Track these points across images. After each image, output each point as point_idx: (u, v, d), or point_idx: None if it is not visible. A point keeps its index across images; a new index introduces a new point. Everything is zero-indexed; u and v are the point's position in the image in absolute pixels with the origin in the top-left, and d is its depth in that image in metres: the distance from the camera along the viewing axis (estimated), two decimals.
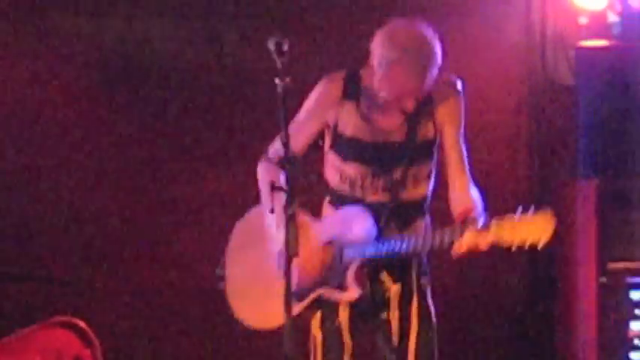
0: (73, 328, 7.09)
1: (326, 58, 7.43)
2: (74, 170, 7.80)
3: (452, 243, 4.78)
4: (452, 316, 7.68)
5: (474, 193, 5.14)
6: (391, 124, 5.11)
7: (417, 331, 5.11)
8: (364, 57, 5.06)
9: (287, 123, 4.56)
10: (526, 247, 4.66)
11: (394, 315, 5.12)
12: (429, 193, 5.08)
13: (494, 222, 4.74)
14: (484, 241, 4.72)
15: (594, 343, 7.14)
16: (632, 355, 7.09)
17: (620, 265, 7.15)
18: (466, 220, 4.86)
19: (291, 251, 4.35)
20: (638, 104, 7.37)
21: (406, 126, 5.08)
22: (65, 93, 7.80)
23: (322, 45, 7.57)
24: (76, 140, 7.82)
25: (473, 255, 5.10)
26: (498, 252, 7.61)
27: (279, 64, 4.60)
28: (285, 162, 4.63)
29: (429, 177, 5.08)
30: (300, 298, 5.13)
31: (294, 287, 4.70)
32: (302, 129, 5.20)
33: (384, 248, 4.99)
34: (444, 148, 5.19)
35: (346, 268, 5.10)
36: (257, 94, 6.97)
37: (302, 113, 5.26)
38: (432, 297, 5.57)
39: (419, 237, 4.93)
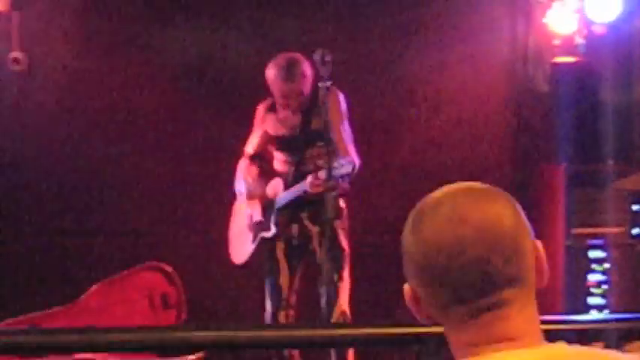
0: (161, 271, 7.50)
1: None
2: (159, 149, 7.99)
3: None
4: None
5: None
6: (293, 123, 6.25)
7: (326, 249, 5.83)
8: None
9: (326, 117, 5.64)
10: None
11: (314, 245, 6.05)
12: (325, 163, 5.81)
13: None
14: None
15: (561, 290, 7.18)
16: (589, 299, 7.19)
17: (582, 230, 7.28)
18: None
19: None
20: (598, 106, 7.44)
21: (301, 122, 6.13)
22: (155, 93, 7.96)
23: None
24: (162, 128, 7.99)
25: None
26: None
27: (322, 72, 5.59)
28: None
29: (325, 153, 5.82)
30: (253, 241, 6.39)
31: (251, 236, 6.36)
32: (253, 136, 6.54)
33: (282, 199, 6.18)
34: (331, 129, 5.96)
35: (270, 215, 6.26)
36: None
37: (254, 127, 6.52)
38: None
39: (299, 186, 6.00)
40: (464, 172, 7.93)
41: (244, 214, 6.48)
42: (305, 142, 6.00)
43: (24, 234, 7.86)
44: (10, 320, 7.16)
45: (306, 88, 6.10)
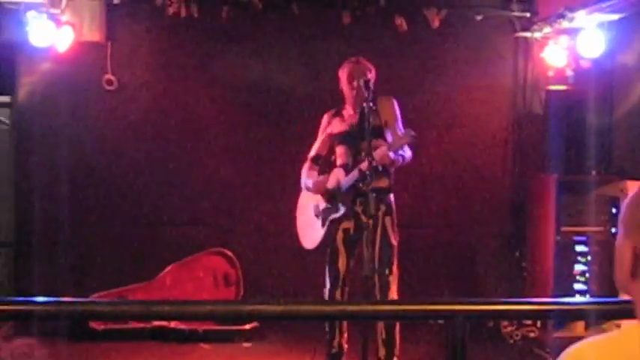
0: (223, 255, 7.68)
1: None
2: (223, 153, 8.03)
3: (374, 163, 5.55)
4: (447, 249, 8.15)
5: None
6: (354, 120, 5.99)
7: (378, 247, 5.77)
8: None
9: (369, 133, 5.45)
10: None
11: (368, 237, 5.49)
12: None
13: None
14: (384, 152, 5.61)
15: (550, 278, 7.24)
16: (575, 285, 7.23)
17: (569, 229, 7.25)
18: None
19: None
20: (584, 126, 7.38)
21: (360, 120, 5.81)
22: (220, 108, 8.07)
23: None
24: (225, 136, 8.05)
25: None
26: (487, 216, 8.02)
27: (366, 94, 5.56)
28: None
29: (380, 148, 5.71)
30: (323, 225, 6.12)
31: (319, 219, 6.17)
32: (319, 140, 6.29)
33: (345, 183, 5.90)
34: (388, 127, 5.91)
35: (337, 199, 6.02)
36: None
37: (319, 132, 6.29)
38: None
39: (354, 172, 5.79)
40: (472, 179, 8.11)
41: (311, 206, 6.29)
42: (362, 136, 5.65)
43: (113, 224, 7.97)
44: (102, 293, 7.41)
45: (370, 78, 5.85)
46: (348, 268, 6.03)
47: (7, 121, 7.98)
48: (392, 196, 6.05)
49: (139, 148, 7.98)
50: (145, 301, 6.17)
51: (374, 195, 5.48)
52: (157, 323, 7.15)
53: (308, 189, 6.29)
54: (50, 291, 7.07)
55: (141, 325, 7.15)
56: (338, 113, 6.23)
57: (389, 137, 5.87)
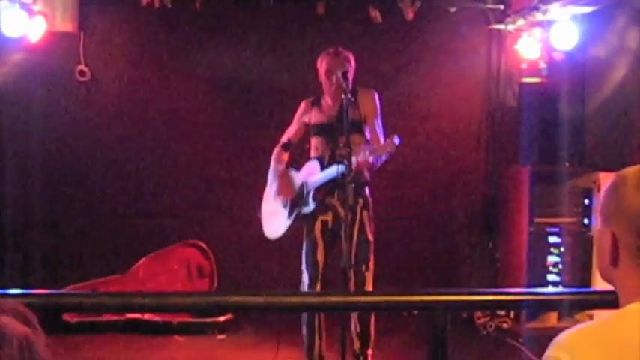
0: (197, 246, 7.63)
1: None
2: (197, 146, 8.01)
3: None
4: (424, 239, 8.17)
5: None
6: (332, 112, 5.84)
7: (355, 242, 5.67)
8: None
9: (347, 124, 5.30)
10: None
11: (344, 231, 5.39)
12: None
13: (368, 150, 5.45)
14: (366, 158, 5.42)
15: (524, 268, 7.29)
16: (548, 276, 7.31)
17: (543, 220, 7.33)
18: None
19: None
20: (557, 119, 7.52)
21: (339, 113, 5.60)
22: (196, 99, 8.04)
23: None
24: (200, 128, 8.01)
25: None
26: (461, 207, 8.05)
27: (344, 85, 5.41)
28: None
29: (359, 143, 5.61)
30: (289, 216, 5.95)
31: (286, 211, 5.98)
32: (292, 127, 6.13)
33: (321, 178, 5.74)
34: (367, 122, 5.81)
35: (308, 194, 5.85)
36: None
37: (294, 119, 6.14)
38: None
39: (334, 167, 5.56)
40: (446, 171, 8.15)
41: (277, 195, 6.09)
42: (340, 130, 5.48)
43: (87, 216, 7.91)
44: (74, 285, 7.35)
45: (349, 70, 5.72)
46: (326, 261, 5.89)
47: None
48: (368, 189, 5.95)
49: (112, 140, 7.93)
50: (112, 293, 6.22)
51: (352, 186, 5.41)
52: (130, 315, 7.11)
53: (273, 176, 6.16)
54: (22, 283, 7.06)
55: (115, 317, 7.12)
56: (317, 102, 6.08)
57: (368, 134, 5.80)
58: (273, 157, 6.17)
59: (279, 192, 6.06)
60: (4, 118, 7.62)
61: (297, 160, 6.16)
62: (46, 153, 7.72)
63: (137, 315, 7.10)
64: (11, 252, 7.50)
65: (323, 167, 5.81)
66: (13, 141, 7.64)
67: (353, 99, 5.64)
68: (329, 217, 5.89)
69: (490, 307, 5.95)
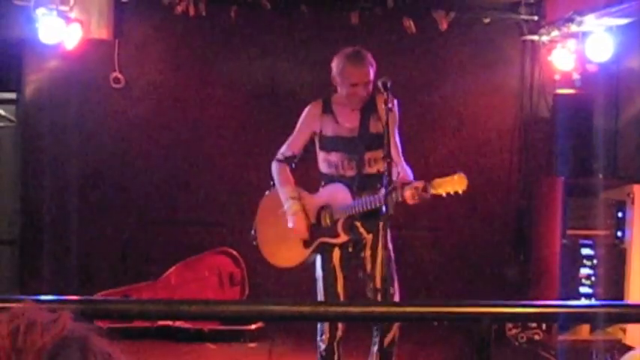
0: (228, 254, 7.62)
1: None
2: (229, 154, 8.00)
3: (400, 198, 4.84)
4: (459, 256, 8.09)
5: (407, 169, 5.19)
6: (353, 125, 5.22)
7: (380, 262, 4.99)
8: None
9: (388, 132, 4.86)
10: (451, 194, 4.83)
11: (367, 254, 5.20)
12: (385, 170, 4.75)
13: (428, 183, 4.86)
14: (422, 195, 4.84)
15: (556, 280, 7.24)
16: (581, 288, 7.22)
17: (576, 232, 7.25)
18: (404, 184, 4.91)
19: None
20: (591, 130, 7.46)
21: (360, 125, 5.17)
22: (227, 107, 8.04)
23: None
24: (232, 137, 8.02)
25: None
26: (494, 218, 7.95)
27: (385, 95, 4.92)
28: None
29: (383, 159, 4.83)
30: (308, 246, 5.36)
31: (303, 239, 5.35)
32: (298, 137, 5.48)
33: (357, 207, 5.12)
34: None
35: (336, 222, 5.26)
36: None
37: (298, 127, 5.49)
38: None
39: (377, 197, 4.95)
40: (479, 182, 8.02)
41: (286, 216, 5.41)
42: (366, 145, 5.13)
43: (119, 222, 7.93)
44: (106, 291, 7.36)
45: (371, 76, 5.21)
46: (347, 292, 5.33)
47: (14, 118, 7.93)
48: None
49: (146, 147, 7.95)
50: (144, 300, 6.18)
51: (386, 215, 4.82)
52: (161, 322, 7.09)
53: (286, 199, 5.44)
54: (55, 289, 7.03)
55: (146, 324, 7.11)
56: (328, 109, 5.41)
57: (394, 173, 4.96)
58: (276, 173, 5.54)
59: (297, 227, 5.36)
60: (40, 125, 7.69)
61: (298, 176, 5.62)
62: (80, 159, 7.75)
63: (168, 322, 7.08)
64: (45, 258, 7.52)
65: (352, 192, 5.23)
66: (48, 147, 7.71)
67: (373, 110, 5.28)
68: (350, 241, 5.31)
69: (538, 319, 5.89)
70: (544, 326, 7.36)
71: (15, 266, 7.85)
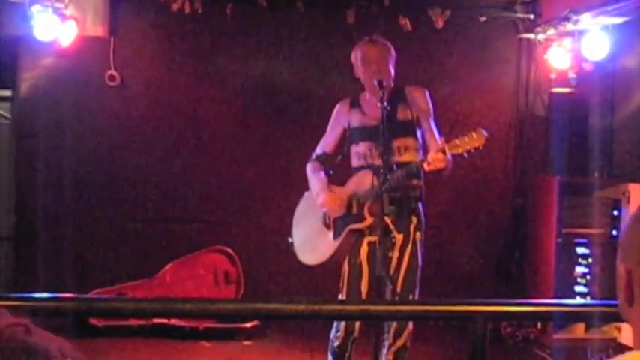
0: (224, 253, 7.63)
1: None
2: (225, 152, 7.97)
3: (421, 166, 4.86)
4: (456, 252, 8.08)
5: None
6: (379, 114, 4.99)
7: (405, 267, 5.13)
8: None
9: (384, 131, 4.89)
10: (471, 152, 4.80)
11: (395, 254, 5.13)
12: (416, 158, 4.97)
13: (446, 145, 4.79)
14: (443, 156, 4.78)
15: (552, 279, 7.22)
16: (576, 287, 7.23)
17: (571, 230, 7.25)
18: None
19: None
20: (586, 129, 7.45)
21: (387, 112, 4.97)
22: (224, 105, 8.00)
23: None
24: (228, 135, 7.98)
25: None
26: (489, 217, 7.94)
27: (380, 94, 4.95)
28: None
29: (416, 150, 5.09)
30: (337, 236, 5.29)
31: (331, 232, 5.33)
32: (329, 135, 5.50)
33: (383, 187, 4.90)
34: (420, 123, 5.21)
35: (363, 206, 5.18)
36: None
37: (329, 126, 5.52)
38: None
39: (400, 170, 4.97)
40: (475, 180, 8.07)
41: (316, 215, 5.44)
42: (391, 133, 5.01)
43: (114, 220, 7.91)
44: (102, 289, 7.39)
45: (388, 57, 5.29)
46: (370, 292, 5.20)
47: (9, 116, 7.91)
48: (421, 205, 5.35)
49: (141, 145, 7.93)
50: (139, 298, 6.09)
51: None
52: (157, 320, 7.09)
53: (317, 194, 5.40)
54: (50, 287, 7.03)
55: (141, 321, 7.11)
56: (356, 104, 5.43)
57: (420, 137, 5.25)
58: (309, 172, 5.50)
59: (324, 202, 5.32)
60: (35, 122, 7.67)
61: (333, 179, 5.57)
62: (75, 157, 7.73)
63: (164, 320, 7.07)
64: (39, 255, 7.49)
65: (378, 177, 5.04)
66: (43, 145, 7.67)
67: (401, 98, 5.28)
68: (377, 237, 5.04)
69: (534, 318, 5.84)
70: (539, 324, 7.36)
71: (10, 264, 7.83)
